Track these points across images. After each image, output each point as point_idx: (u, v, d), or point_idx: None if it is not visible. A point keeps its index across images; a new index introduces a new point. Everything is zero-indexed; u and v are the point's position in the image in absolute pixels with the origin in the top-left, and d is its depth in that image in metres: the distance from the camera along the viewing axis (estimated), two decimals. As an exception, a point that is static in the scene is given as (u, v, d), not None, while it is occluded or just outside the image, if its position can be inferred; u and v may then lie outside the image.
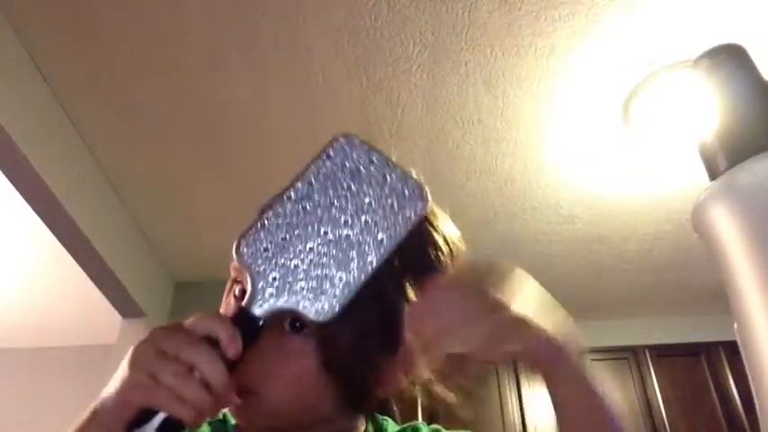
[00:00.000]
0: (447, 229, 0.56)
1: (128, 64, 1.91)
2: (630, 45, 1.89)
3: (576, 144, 2.30)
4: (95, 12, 1.75)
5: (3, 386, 3.76)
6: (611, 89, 2.05)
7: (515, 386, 3.15)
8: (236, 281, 0.52)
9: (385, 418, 0.60)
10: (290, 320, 0.47)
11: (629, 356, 3.22)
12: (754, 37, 1.87)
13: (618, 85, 2.03)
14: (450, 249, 0.54)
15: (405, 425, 0.60)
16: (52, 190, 1.99)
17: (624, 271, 3.20)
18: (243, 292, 0.49)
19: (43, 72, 1.94)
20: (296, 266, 0.44)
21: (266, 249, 0.46)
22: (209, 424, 0.56)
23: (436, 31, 1.84)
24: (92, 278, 2.47)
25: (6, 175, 1.92)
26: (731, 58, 0.41)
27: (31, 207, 2.06)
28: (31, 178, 1.93)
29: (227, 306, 0.52)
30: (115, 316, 2.79)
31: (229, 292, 0.53)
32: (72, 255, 2.32)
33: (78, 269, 2.42)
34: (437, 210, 0.56)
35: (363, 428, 0.56)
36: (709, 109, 0.42)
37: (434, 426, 0.60)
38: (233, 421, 0.56)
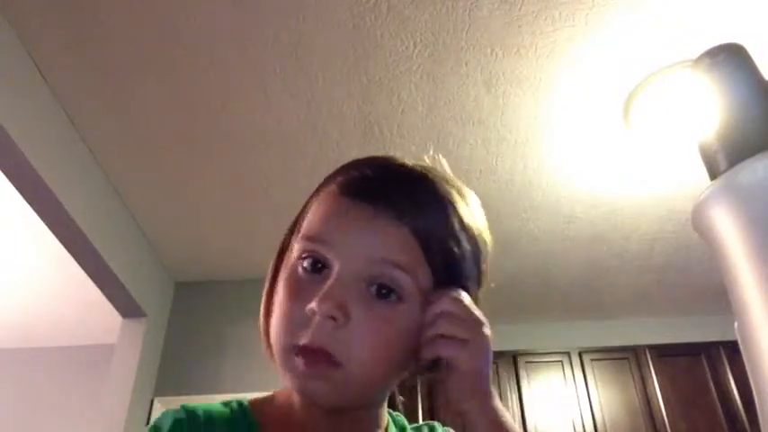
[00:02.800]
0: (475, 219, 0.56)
1: (128, 64, 1.91)
2: (631, 45, 1.89)
3: (576, 144, 2.30)
4: (95, 12, 1.75)
5: (2, 386, 3.76)
6: (611, 89, 2.05)
7: (515, 386, 3.16)
8: (308, 253, 0.49)
9: (397, 413, 0.60)
10: (380, 286, 0.46)
11: (629, 356, 3.23)
12: (755, 37, 1.87)
13: (618, 85, 2.03)
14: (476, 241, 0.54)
15: (420, 423, 0.61)
16: (53, 190, 1.99)
17: (625, 271, 3.20)
18: (315, 263, 0.48)
19: (43, 72, 1.94)
20: None
21: None
22: (218, 419, 0.53)
23: (437, 30, 1.84)
24: (92, 278, 2.47)
25: (7, 176, 1.92)
26: (731, 57, 0.41)
27: (32, 207, 2.06)
28: (32, 179, 1.93)
29: (295, 279, 0.49)
30: (116, 316, 2.80)
31: (297, 263, 0.49)
32: (72, 255, 2.33)
33: (79, 269, 2.43)
34: (467, 201, 0.55)
35: (387, 421, 0.57)
36: (709, 109, 0.42)
37: (448, 429, 0.60)
38: (254, 419, 0.54)
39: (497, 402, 0.47)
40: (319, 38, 1.85)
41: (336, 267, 0.46)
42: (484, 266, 0.54)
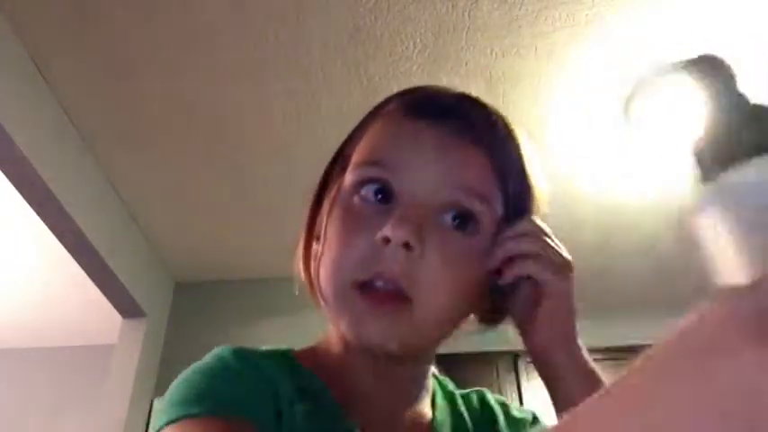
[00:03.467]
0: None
1: (128, 64, 1.91)
2: (630, 45, 1.88)
3: (576, 144, 2.30)
4: (96, 12, 1.75)
5: (3, 386, 3.76)
6: (611, 89, 2.05)
7: (516, 386, 3.15)
8: (371, 180, 0.43)
9: (443, 377, 0.55)
10: (455, 215, 0.41)
11: (629, 356, 3.21)
12: (755, 36, 1.87)
13: (618, 85, 2.03)
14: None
15: (469, 390, 0.55)
16: (53, 190, 1.99)
17: (625, 270, 3.20)
18: (379, 191, 0.42)
19: (43, 72, 1.94)
20: None
21: None
22: (271, 357, 0.46)
23: (436, 31, 1.84)
24: (92, 278, 2.47)
25: (7, 176, 1.92)
26: (710, 68, 0.41)
27: (32, 208, 2.06)
28: (32, 179, 1.93)
29: (355, 211, 0.43)
30: (115, 316, 2.79)
31: (352, 192, 0.44)
32: (72, 255, 2.33)
33: (79, 269, 2.43)
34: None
35: (433, 386, 0.52)
36: (708, 110, 0.42)
37: (499, 397, 0.55)
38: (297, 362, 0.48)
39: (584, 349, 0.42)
40: (319, 38, 1.85)
41: (408, 192, 0.41)
42: (544, 210, 0.50)
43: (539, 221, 0.45)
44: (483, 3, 1.76)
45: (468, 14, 1.79)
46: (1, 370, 3.82)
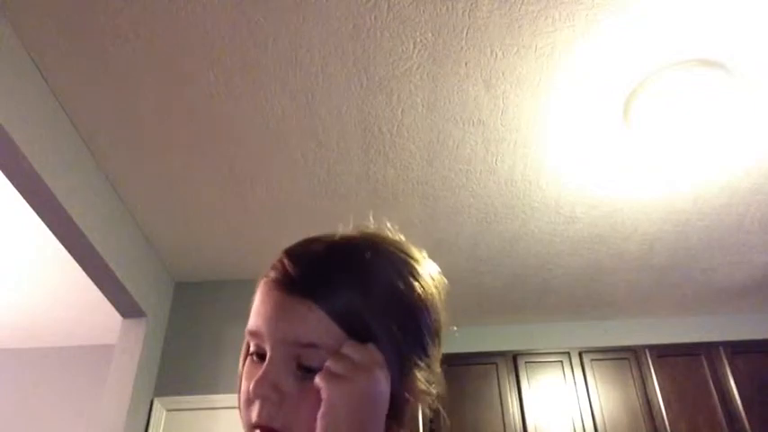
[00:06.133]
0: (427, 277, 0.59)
1: (128, 64, 1.91)
2: (630, 45, 1.89)
3: (576, 144, 2.30)
4: (95, 11, 1.75)
5: (2, 386, 3.76)
6: (611, 89, 2.05)
7: (515, 386, 3.16)
8: (252, 347, 0.56)
9: None
10: (297, 364, 0.51)
11: (629, 356, 3.22)
12: (754, 36, 1.87)
13: (618, 85, 2.03)
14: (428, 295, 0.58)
15: None
16: (52, 190, 1.99)
17: (625, 271, 3.20)
18: (258, 354, 0.54)
19: (43, 72, 1.94)
20: None
21: None
22: None
23: (436, 31, 1.84)
24: (92, 278, 2.47)
25: (6, 176, 1.92)
26: None
27: (32, 207, 2.06)
28: (32, 179, 1.93)
29: (248, 367, 0.55)
30: (115, 316, 2.80)
31: (248, 356, 0.56)
32: (72, 255, 2.33)
33: (79, 269, 2.43)
34: (418, 258, 0.59)
35: None
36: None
37: None
38: None
39: None
40: (319, 38, 1.85)
41: (268, 353, 0.52)
42: (428, 321, 0.56)
43: (357, 343, 0.51)
44: (483, 3, 1.76)
45: (468, 14, 1.79)
46: (1, 370, 3.82)
